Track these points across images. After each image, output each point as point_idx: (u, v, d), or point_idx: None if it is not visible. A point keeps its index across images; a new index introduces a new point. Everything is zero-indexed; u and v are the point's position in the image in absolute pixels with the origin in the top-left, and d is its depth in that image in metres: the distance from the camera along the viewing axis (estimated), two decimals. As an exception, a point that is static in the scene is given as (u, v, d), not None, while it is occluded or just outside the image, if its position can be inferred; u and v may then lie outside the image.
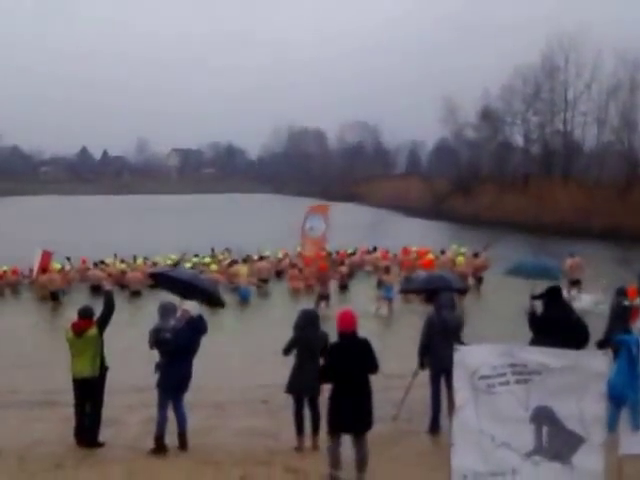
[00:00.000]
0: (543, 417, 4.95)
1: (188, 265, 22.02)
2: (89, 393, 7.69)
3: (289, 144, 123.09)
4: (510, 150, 59.94)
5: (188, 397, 7.75)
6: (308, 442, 7.53)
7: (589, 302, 16.20)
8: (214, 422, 8.56)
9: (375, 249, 26.18)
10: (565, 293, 12.78)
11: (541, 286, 8.46)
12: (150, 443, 7.50)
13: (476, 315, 15.68)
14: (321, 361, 6.91)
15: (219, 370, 10.85)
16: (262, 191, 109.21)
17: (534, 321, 8.01)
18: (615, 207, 41.71)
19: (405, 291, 15.29)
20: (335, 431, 6.36)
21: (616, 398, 5.56)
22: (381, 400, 8.17)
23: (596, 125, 54.32)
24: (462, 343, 6.53)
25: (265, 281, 21.15)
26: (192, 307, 7.62)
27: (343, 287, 20.85)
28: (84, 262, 23.21)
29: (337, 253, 25.33)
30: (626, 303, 9.34)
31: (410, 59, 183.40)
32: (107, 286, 8.83)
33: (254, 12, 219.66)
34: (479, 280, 20.71)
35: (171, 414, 7.58)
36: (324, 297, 17.56)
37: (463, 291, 11.49)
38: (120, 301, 13.10)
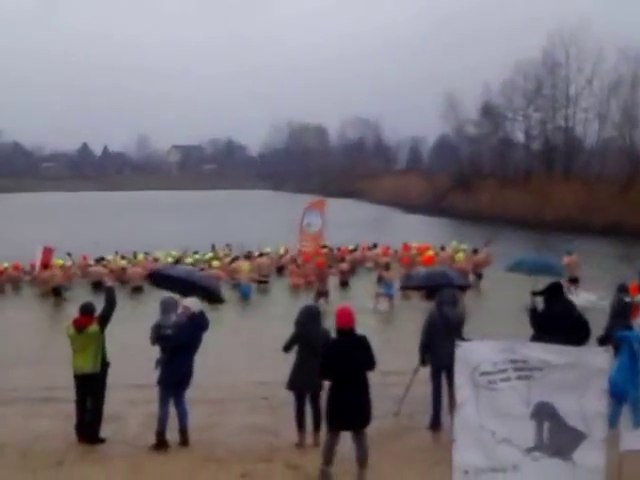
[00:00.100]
0: (544, 413, 4.95)
1: (189, 261, 22.06)
2: (90, 389, 7.70)
3: (290, 140, 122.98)
4: (511, 146, 59.88)
5: (189, 393, 7.76)
6: (309, 439, 7.54)
7: (587, 299, 16.19)
8: (215, 418, 8.56)
9: (375, 246, 26.17)
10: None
11: (543, 282, 8.46)
12: (151, 439, 7.51)
13: (476, 311, 15.66)
14: (321, 358, 6.91)
15: (220, 366, 10.85)
16: (263, 187, 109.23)
17: (535, 317, 8.01)
18: (616, 203, 41.67)
19: (406, 287, 15.28)
20: (334, 428, 6.37)
21: (617, 394, 5.57)
22: (382, 396, 8.20)
23: (597, 121, 54.33)
24: (464, 339, 6.52)
25: (266, 276, 21.14)
26: (193, 303, 7.62)
27: (344, 283, 20.85)
28: (85, 259, 23.24)
29: (338, 249, 25.35)
30: (627, 300, 9.36)
31: (411, 57, 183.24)
32: (108, 282, 8.85)
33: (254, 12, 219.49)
34: (479, 276, 20.71)
35: (172, 410, 7.59)
36: (323, 294, 17.56)
37: (464, 287, 11.48)
38: (121, 297, 13.12)
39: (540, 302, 8.08)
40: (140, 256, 23.75)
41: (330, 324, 6.97)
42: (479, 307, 16.92)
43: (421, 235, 31.08)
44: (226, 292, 16.74)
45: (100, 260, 22.62)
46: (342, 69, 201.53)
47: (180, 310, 7.62)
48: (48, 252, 20.77)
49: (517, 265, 11.12)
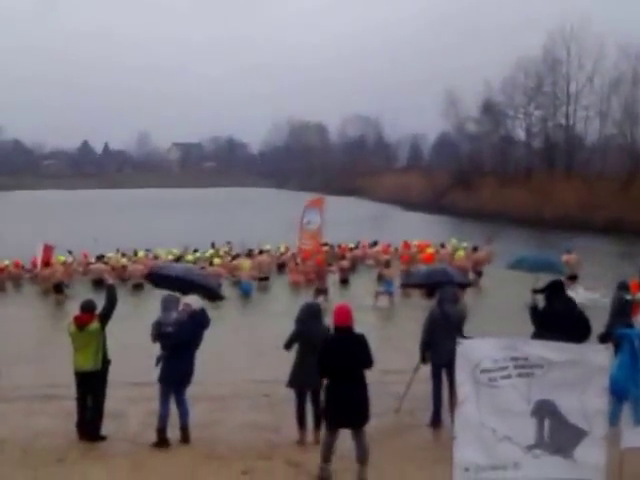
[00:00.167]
0: (545, 411, 4.95)
1: (190, 258, 22.06)
2: (91, 386, 7.71)
3: (290, 138, 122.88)
4: (512, 144, 59.85)
5: (190, 391, 7.76)
6: (310, 436, 7.55)
7: (585, 296, 16.18)
8: (216, 416, 8.56)
9: (376, 243, 26.17)
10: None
11: (543, 280, 8.46)
12: (152, 436, 7.52)
13: (477, 309, 15.65)
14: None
15: (221, 364, 10.85)
16: (263, 185, 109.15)
17: (536, 315, 8.01)
18: (617, 201, 41.65)
19: (406, 285, 15.28)
20: (332, 426, 6.36)
21: (618, 392, 5.57)
22: (383, 394, 8.21)
23: (598, 118, 54.30)
24: (464, 337, 6.52)
25: (266, 274, 21.14)
26: (194, 301, 7.63)
27: (344, 281, 20.86)
28: (86, 256, 23.24)
29: (339, 247, 25.35)
30: (628, 297, 9.34)
31: (411, 55, 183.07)
32: (109, 280, 8.84)
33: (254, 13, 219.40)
34: (479, 274, 20.70)
35: (173, 407, 7.59)
36: (322, 291, 17.55)
37: (465, 285, 11.48)
38: (122, 294, 13.10)
39: (541, 300, 8.08)
40: (141, 253, 23.75)
41: (329, 322, 6.97)
42: (480, 305, 16.91)
43: (421, 233, 31.07)
44: (227, 289, 16.79)
45: (101, 258, 22.64)
46: (342, 67, 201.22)
47: (181, 307, 7.62)
48: (49, 249, 20.77)
49: (518, 263, 11.12)
